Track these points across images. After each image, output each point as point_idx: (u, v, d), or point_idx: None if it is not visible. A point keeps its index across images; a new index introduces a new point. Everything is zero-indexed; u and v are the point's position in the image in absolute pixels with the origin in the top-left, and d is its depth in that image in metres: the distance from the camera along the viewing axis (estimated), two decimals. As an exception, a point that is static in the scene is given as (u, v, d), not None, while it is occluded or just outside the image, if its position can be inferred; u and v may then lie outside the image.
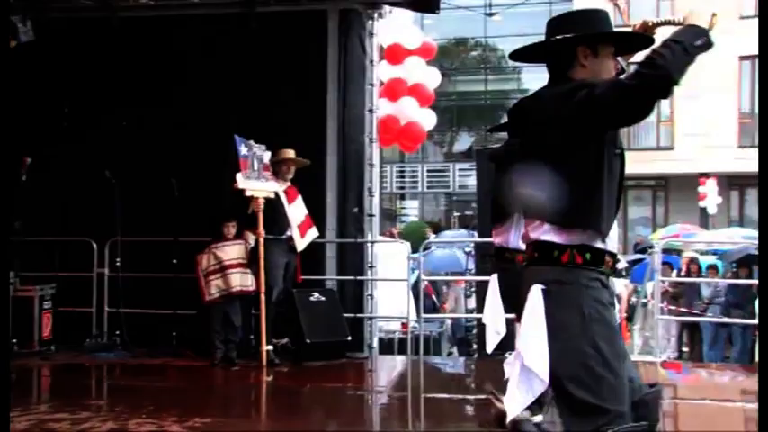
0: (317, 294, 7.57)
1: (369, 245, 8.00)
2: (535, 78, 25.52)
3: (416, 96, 8.94)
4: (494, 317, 4.09)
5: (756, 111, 22.59)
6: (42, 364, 7.37)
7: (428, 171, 28.05)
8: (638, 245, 15.71)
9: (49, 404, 6.09)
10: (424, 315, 8.12)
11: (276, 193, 7.37)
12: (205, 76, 8.03)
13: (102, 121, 8.22)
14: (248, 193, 7.17)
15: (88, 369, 7.42)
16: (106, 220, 7.88)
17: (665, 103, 21.28)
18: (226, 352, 7.24)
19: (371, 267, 7.98)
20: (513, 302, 3.60)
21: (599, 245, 2.50)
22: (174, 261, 7.67)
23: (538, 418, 3.82)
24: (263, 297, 7.09)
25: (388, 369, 7.98)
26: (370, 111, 8.03)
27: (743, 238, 13.11)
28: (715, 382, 6.89)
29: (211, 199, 7.61)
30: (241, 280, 7.23)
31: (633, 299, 11.55)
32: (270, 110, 7.90)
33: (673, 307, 11.01)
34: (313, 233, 7.60)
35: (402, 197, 29.52)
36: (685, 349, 10.85)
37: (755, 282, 9.09)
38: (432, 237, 16.09)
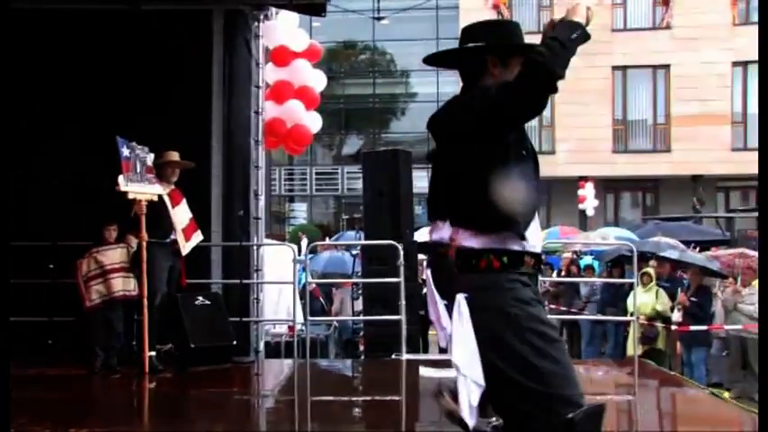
0: (201, 298, 7.45)
1: (255, 248, 7.95)
2: (422, 83, 26.03)
3: (303, 99, 8.95)
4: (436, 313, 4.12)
5: (629, 118, 23.92)
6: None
7: (317, 174, 28.07)
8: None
9: None
10: (310, 318, 8.13)
11: (160, 196, 7.21)
12: (87, 75, 7.78)
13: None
14: (131, 196, 6.99)
15: (-44, 381, 7.03)
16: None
17: (546, 109, 22.13)
18: (106, 359, 7.03)
19: (257, 271, 7.94)
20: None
21: (516, 247, 2.57)
22: (51, 266, 7.39)
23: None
24: (145, 302, 6.92)
25: (274, 373, 7.95)
26: (256, 113, 8.00)
27: (615, 239, 13.83)
28: (592, 377, 7.21)
29: (92, 201, 7.38)
30: (123, 284, 7.04)
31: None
32: (153, 111, 7.73)
33: (553, 306, 11.48)
34: (198, 236, 7.47)
35: (291, 200, 29.40)
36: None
37: (628, 281, 9.61)
38: (304, 241, 16.14)
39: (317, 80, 9.22)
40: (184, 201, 7.43)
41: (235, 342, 7.38)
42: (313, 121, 9.21)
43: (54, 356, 7.37)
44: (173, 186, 7.41)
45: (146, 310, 6.93)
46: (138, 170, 7.11)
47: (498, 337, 2.48)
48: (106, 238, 7.17)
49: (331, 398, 6.44)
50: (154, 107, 7.71)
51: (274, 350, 9.35)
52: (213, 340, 7.32)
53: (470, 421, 2.54)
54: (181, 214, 7.37)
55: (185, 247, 7.31)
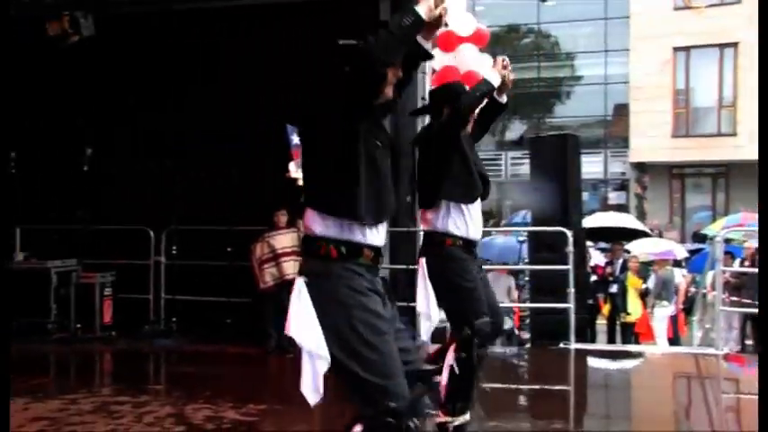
0: (369, 282, 7.56)
1: (421, 234, 7.95)
2: (588, 65, 25.13)
3: (469, 84, 8.84)
4: (425, 303, 4.10)
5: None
6: (104, 348, 7.56)
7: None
8: (697, 234, 15.36)
9: (112, 387, 6.24)
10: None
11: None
12: (259, 68, 8.09)
13: (157, 113, 8.35)
14: (301, 182, 7.18)
15: (147, 355, 7.59)
16: (163, 209, 8.04)
17: (728, 86, 20.71)
18: (279, 340, 7.31)
19: (421, 257, 7.94)
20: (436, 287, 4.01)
21: (358, 238, 2.65)
22: (229, 249, 7.79)
23: (464, 418, 3.98)
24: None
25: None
26: (423, 99, 7.98)
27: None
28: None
29: (265, 188, 7.69)
30: (294, 268, 7.27)
31: (692, 289, 11.28)
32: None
33: (735, 298, 10.73)
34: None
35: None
36: (749, 342, 10.55)
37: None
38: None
39: (482, 65, 9.08)
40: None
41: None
42: (478, 107, 9.08)
43: (231, 335, 7.78)
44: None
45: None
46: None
47: (333, 325, 2.59)
48: (277, 224, 7.44)
49: (498, 385, 6.35)
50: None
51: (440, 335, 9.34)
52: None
53: (312, 399, 2.67)
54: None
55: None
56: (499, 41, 26.06)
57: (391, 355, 2.63)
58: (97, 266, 8.12)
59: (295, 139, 7.22)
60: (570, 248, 7.39)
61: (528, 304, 9.30)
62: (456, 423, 3.96)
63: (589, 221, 11.53)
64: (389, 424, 2.58)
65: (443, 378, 3.93)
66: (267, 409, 5.23)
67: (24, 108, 8.33)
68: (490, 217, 23.34)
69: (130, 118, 8.47)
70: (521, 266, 10.51)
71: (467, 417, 4.00)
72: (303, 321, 2.61)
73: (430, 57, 2.86)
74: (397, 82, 2.77)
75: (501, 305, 4.81)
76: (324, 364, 2.61)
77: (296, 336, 2.62)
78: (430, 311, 4.09)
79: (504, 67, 4.29)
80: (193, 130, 8.14)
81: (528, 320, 9.65)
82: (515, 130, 28.22)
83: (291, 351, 7.19)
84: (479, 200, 4.21)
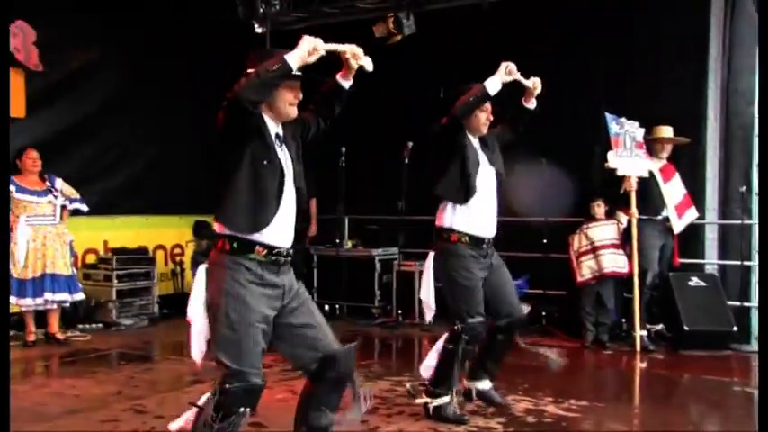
0: (696, 279, 7.10)
1: (757, 227, 7.24)
2: None
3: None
4: (428, 293, 4.62)
5: None
6: (422, 335, 7.88)
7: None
8: None
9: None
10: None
11: (651, 172, 7.02)
12: (572, 52, 7.91)
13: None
14: (620, 173, 6.93)
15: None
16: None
17: None
18: (597, 334, 7.10)
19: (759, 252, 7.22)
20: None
21: (251, 237, 3.04)
22: (545, 241, 7.72)
23: (442, 401, 4.54)
24: (636, 280, 6.82)
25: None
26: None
27: None
28: None
29: (581, 178, 7.50)
30: (613, 261, 7.02)
31: None
32: (642, 83, 7.52)
33: None
34: (692, 214, 7.12)
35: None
36: None
37: None
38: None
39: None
40: (677, 176, 7.12)
41: (734, 328, 6.84)
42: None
43: (547, 328, 7.70)
44: (665, 161, 7.15)
45: (636, 289, 6.83)
46: (628, 146, 7.01)
47: (216, 305, 3.03)
48: (595, 215, 7.22)
49: None
50: (642, 79, 7.52)
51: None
52: (709, 324, 6.90)
53: (198, 360, 3.17)
54: (673, 190, 7.09)
55: (678, 225, 7.04)
56: None
57: (249, 342, 3.00)
58: (417, 255, 8.47)
59: (614, 128, 6.96)
60: None
61: None
62: (434, 404, 4.55)
63: None
64: (219, 402, 3.01)
65: (431, 362, 4.57)
66: (588, 407, 5.06)
67: (353, 106, 8.97)
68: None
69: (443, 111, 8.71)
70: None
71: (445, 400, 4.53)
72: (196, 306, 3.10)
73: (351, 92, 3.33)
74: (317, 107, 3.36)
75: None
76: (200, 334, 3.12)
77: (192, 316, 3.11)
78: (430, 301, 4.62)
79: (509, 73, 4.35)
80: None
81: None
82: None
83: (608, 347, 6.98)
84: (489, 197, 4.53)
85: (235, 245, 3.04)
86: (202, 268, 3.14)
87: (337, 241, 9.07)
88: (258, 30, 10.00)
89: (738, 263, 7.16)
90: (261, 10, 9.83)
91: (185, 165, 8.81)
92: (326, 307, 8.94)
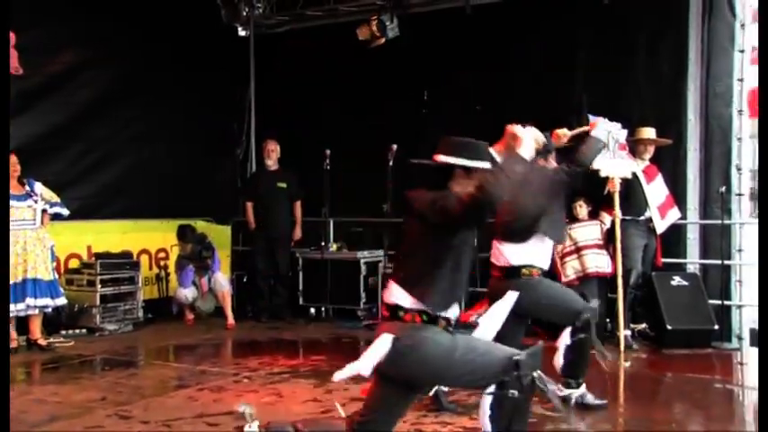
0: (678, 278, 7.17)
1: (737, 227, 7.32)
2: None
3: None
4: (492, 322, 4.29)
5: None
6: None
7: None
8: None
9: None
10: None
11: (634, 173, 7.08)
12: (556, 56, 7.97)
13: (455, 108, 8.53)
14: (603, 174, 6.97)
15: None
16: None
17: None
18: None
19: (740, 251, 7.30)
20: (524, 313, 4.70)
21: (432, 311, 3.18)
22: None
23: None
24: (620, 280, 6.87)
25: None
26: (740, 80, 7.30)
27: None
28: None
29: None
30: (597, 261, 7.07)
31: None
32: (622, 84, 7.60)
33: None
34: (674, 214, 7.19)
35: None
36: None
37: None
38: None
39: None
40: (660, 177, 7.19)
41: (716, 326, 6.91)
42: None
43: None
44: (647, 162, 7.22)
45: (620, 289, 6.87)
46: (611, 147, 7.04)
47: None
48: (577, 215, 7.26)
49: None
50: (623, 79, 7.63)
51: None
52: (691, 323, 6.97)
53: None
54: (656, 191, 7.17)
55: (661, 225, 7.10)
56: None
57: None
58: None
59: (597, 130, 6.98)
60: None
61: None
62: (565, 394, 4.89)
63: None
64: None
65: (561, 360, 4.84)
66: (572, 406, 5.08)
67: (336, 108, 9.00)
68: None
69: (432, 115, 8.75)
70: None
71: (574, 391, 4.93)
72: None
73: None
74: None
75: None
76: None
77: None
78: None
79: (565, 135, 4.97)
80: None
81: None
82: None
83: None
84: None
85: (424, 317, 3.20)
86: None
87: (322, 244, 9.05)
88: (242, 33, 10.01)
89: (719, 262, 7.23)
90: (244, 13, 9.84)
91: (170, 168, 8.76)
92: (312, 310, 8.94)
